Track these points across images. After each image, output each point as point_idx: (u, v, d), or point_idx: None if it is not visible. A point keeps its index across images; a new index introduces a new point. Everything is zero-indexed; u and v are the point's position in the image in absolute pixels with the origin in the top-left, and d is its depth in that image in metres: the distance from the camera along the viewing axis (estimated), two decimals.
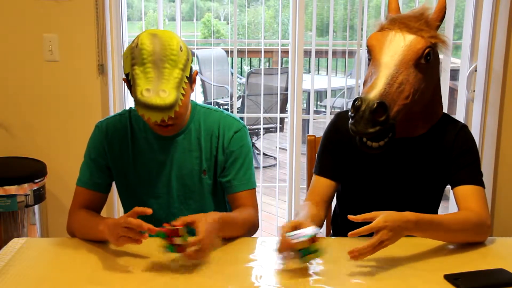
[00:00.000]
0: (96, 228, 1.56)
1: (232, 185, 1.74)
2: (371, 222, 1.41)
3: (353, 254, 1.40)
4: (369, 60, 1.58)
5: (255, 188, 1.77)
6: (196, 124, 1.75)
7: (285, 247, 1.41)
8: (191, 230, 1.44)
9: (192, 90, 1.68)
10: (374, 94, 1.44)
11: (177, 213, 1.76)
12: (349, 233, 1.41)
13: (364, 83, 1.55)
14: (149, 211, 1.45)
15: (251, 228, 1.71)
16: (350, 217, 1.43)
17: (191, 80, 1.65)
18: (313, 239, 1.40)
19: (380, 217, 1.40)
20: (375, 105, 1.41)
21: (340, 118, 1.77)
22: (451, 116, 1.76)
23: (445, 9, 1.59)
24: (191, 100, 1.77)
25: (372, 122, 1.42)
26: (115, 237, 1.47)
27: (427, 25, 1.55)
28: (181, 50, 1.55)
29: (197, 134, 1.75)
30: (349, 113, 1.46)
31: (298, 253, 1.40)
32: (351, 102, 1.47)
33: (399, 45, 1.52)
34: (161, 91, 1.48)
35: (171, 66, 1.52)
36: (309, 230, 1.41)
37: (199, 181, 1.76)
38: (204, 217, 1.49)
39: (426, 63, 1.53)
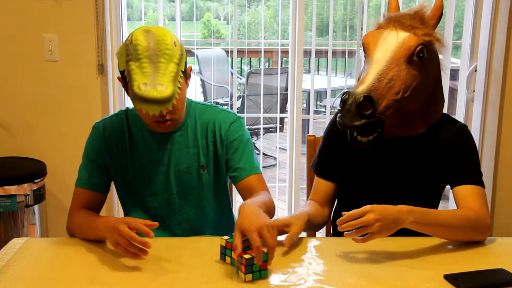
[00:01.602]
0: (96, 228, 1.56)
1: (238, 173, 1.74)
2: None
3: (341, 229, 1.42)
4: (365, 58, 1.59)
5: (261, 173, 1.77)
6: (192, 120, 1.76)
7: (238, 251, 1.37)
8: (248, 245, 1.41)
9: (187, 85, 1.68)
10: (361, 88, 1.46)
11: (177, 209, 1.78)
12: (337, 220, 1.43)
13: (358, 79, 1.57)
14: (151, 234, 1.43)
15: (274, 210, 1.69)
16: (344, 214, 1.45)
17: (186, 75, 1.65)
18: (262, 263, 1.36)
19: (368, 205, 1.43)
20: (361, 98, 1.43)
21: None
22: (451, 116, 1.77)
23: (442, 8, 1.60)
24: (187, 97, 1.78)
25: (359, 115, 1.44)
26: (113, 243, 1.47)
27: (421, 22, 1.56)
28: (175, 45, 1.56)
29: (193, 130, 1.75)
30: (337, 107, 1.48)
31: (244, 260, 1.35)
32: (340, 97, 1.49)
33: (392, 43, 1.54)
34: (158, 85, 1.49)
35: (167, 61, 1.53)
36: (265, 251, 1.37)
37: (198, 177, 1.76)
38: (243, 222, 1.41)
39: (419, 61, 1.53)
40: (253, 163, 1.76)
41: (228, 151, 1.75)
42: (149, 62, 1.51)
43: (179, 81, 1.55)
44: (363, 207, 1.43)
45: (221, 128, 1.75)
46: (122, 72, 1.58)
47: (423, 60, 1.54)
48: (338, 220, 1.43)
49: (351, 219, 1.42)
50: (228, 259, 1.44)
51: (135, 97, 1.50)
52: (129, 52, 1.54)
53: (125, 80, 1.57)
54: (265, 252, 1.37)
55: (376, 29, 1.60)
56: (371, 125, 1.47)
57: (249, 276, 1.36)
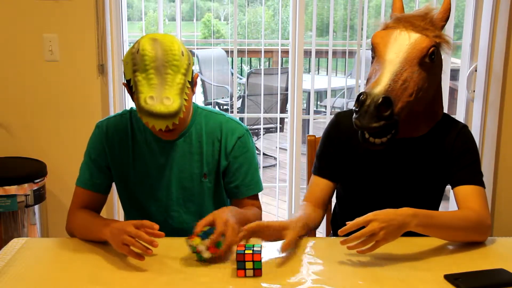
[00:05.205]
0: (97, 230, 1.56)
1: (239, 191, 1.75)
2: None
3: (344, 243, 1.43)
4: (373, 58, 1.58)
5: (260, 191, 1.79)
6: (197, 127, 1.74)
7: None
8: (211, 230, 1.46)
9: (193, 93, 1.67)
10: (379, 89, 1.44)
11: (176, 216, 1.76)
12: (339, 230, 1.42)
13: (368, 80, 1.56)
14: (156, 227, 1.44)
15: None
16: (347, 224, 1.45)
17: (193, 83, 1.64)
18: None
19: (371, 213, 1.42)
20: (380, 99, 1.41)
21: (340, 118, 1.77)
22: (451, 116, 1.77)
23: (450, 10, 1.60)
24: (192, 103, 1.77)
25: (377, 117, 1.42)
26: (118, 244, 1.46)
27: (432, 24, 1.55)
28: (183, 55, 1.53)
29: (198, 137, 1.73)
30: (353, 108, 1.46)
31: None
32: (356, 98, 1.46)
33: (404, 43, 1.52)
34: (165, 99, 1.46)
35: (174, 72, 1.50)
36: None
37: (199, 184, 1.75)
38: (218, 212, 1.50)
39: (430, 62, 1.53)
40: (256, 181, 1.76)
41: (232, 166, 1.74)
42: (156, 74, 1.48)
43: (186, 92, 1.52)
44: (366, 215, 1.42)
45: (227, 140, 1.73)
46: (128, 81, 1.55)
47: (434, 62, 1.54)
48: (339, 230, 1.42)
49: (354, 229, 1.41)
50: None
51: (141, 111, 1.47)
52: (135, 61, 1.50)
53: (132, 89, 1.53)
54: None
55: (384, 29, 1.59)
56: (387, 127, 1.45)
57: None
